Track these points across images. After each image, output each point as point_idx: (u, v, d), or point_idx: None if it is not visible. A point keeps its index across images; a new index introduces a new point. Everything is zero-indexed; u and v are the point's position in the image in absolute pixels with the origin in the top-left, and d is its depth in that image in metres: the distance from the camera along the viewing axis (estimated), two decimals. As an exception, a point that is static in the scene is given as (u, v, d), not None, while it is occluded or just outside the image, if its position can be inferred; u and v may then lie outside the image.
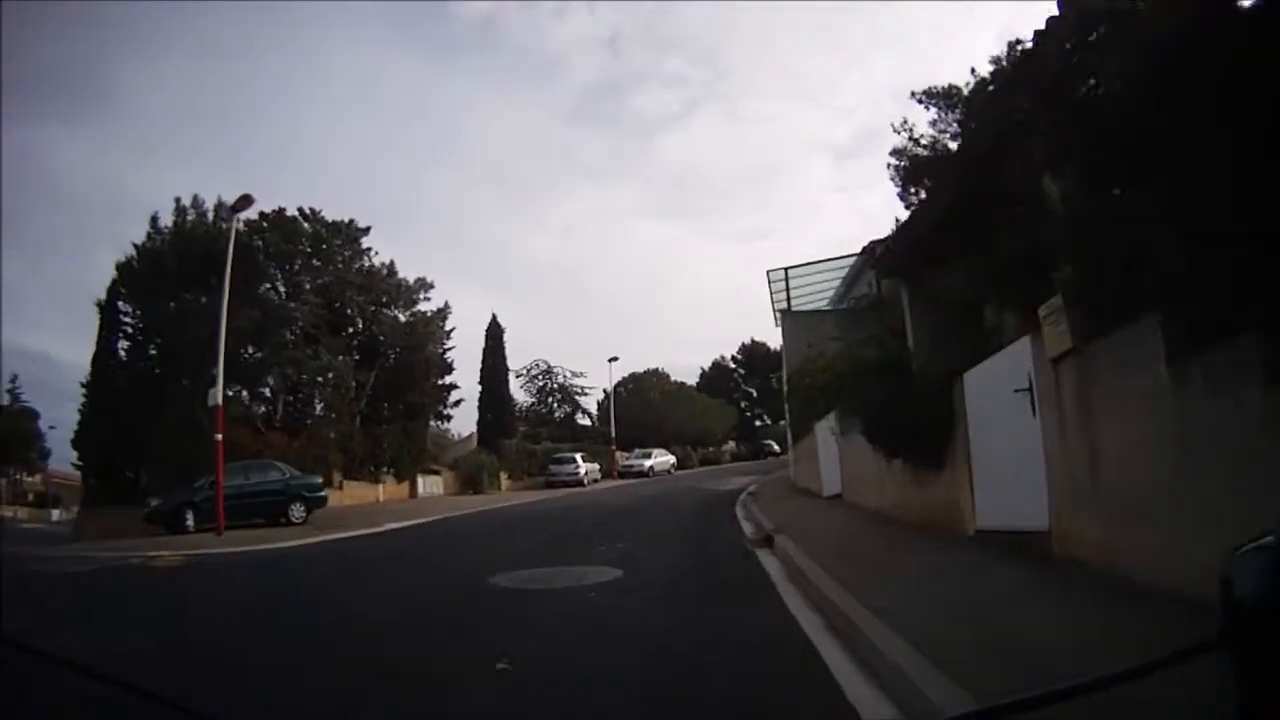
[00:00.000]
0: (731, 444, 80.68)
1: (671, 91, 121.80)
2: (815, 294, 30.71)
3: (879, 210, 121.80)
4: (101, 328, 36.05)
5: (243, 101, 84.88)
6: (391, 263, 43.36)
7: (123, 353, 37.01)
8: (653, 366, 79.25)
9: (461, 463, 48.36)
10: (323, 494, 26.56)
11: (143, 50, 73.06)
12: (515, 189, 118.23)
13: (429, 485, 43.81)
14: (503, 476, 48.99)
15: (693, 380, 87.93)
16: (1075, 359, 6.95)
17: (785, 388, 26.44)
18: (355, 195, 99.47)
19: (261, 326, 34.77)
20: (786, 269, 28.96)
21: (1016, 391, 8.03)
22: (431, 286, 44.63)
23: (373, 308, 42.41)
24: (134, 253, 36.67)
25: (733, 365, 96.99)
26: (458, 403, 49.13)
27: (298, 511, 24.98)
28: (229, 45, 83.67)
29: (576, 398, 71.09)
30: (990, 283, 9.48)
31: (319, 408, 39.26)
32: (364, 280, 41.15)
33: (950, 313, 11.97)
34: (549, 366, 69.58)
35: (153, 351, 36.85)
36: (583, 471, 48.47)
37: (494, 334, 56.08)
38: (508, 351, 56.65)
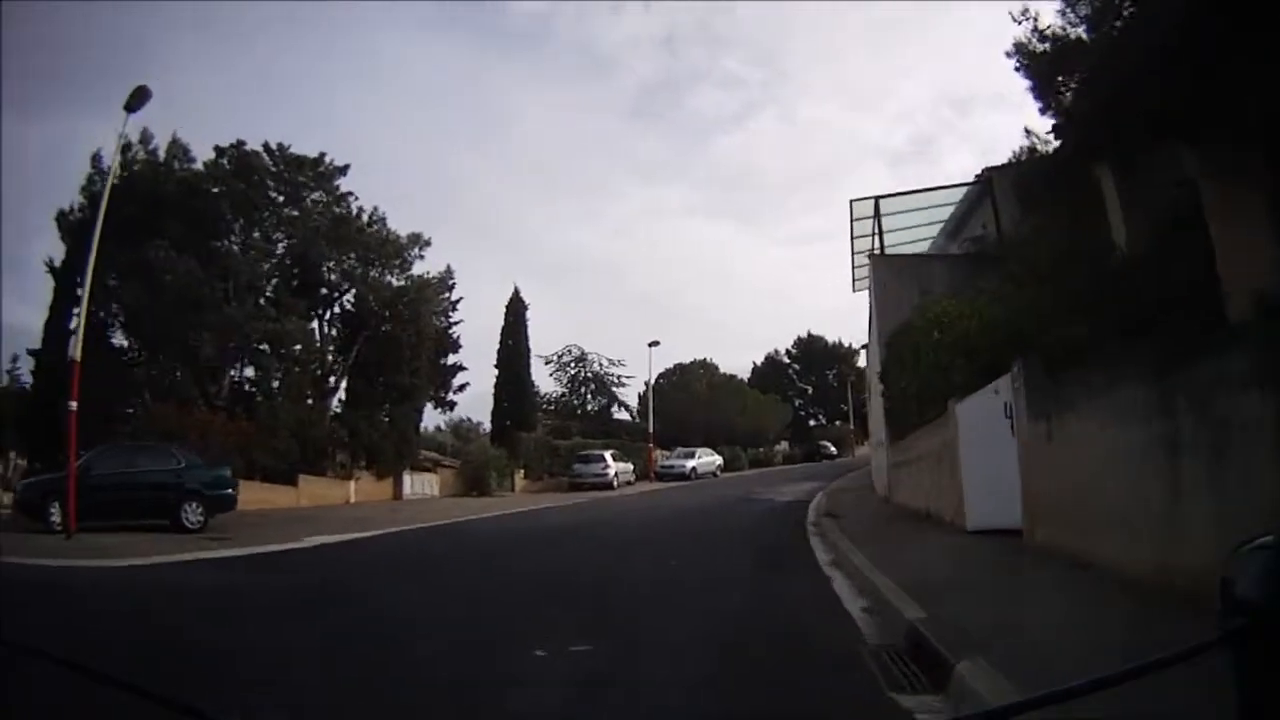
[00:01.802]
0: (784, 444, 73.30)
1: (728, 92, 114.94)
2: (910, 238, 22.74)
3: None
4: (56, 292, 29.08)
5: (286, 87, 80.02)
6: (375, 211, 35.81)
7: (76, 318, 30.14)
8: (701, 357, 71.58)
9: (466, 458, 41.04)
10: (228, 491, 19.37)
11: (184, 31, 67.78)
12: (563, 183, 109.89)
13: (419, 484, 36.30)
14: (518, 476, 41.82)
15: (743, 377, 79.52)
16: None
17: (879, 356, 18.41)
18: (394, 186, 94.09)
19: (197, 281, 27.55)
20: (877, 199, 21.05)
21: None
22: (428, 244, 37.07)
23: (350, 263, 35.25)
24: (80, 200, 29.98)
25: (787, 360, 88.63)
26: (463, 387, 41.83)
27: (193, 514, 18.09)
28: (274, 33, 77.95)
29: (613, 389, 63.08)
30: None
31: (277, 384, 32.02)
32: (332, 227, 33.50)
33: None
34: (583, 353, 61.83)
35: (101, 314, 30.01)
36: (612, 472, 41.23)
37: (515, 310, 48.33)
38: (537, 338, 49.12)
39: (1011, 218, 18.04)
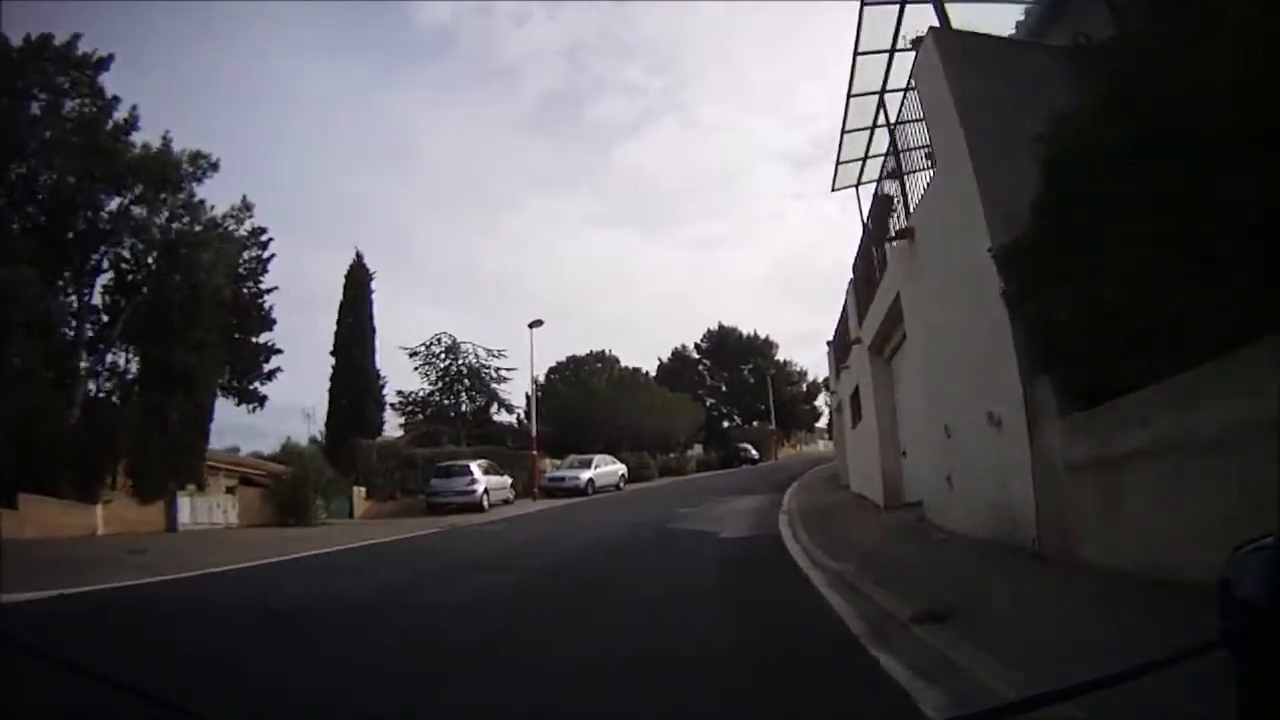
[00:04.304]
0: (698, 449, 63.46)
1: (629, 100, 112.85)
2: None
3: (835, 215, 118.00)
4: None
5: (179, 102, 69.14)
6: (133, 110, 25.27)
7: None
8: (599, 349, 61.66)
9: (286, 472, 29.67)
10: None
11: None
12: (461, 195, 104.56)
13: (207, 510, 25.10)
14: (359, 493, 31.30)
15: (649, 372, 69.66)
16: None
17: (989, 227, 7.83)
18: (286, 199, 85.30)
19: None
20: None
21: None
22: (214, 167, 26.35)
23: (120, 201, 25.16)
24: None
25: (696, 355, 79.06)
26: (272, 373, 31.31)
27: None
28: (168, 44, 68.08)
29: (493, 385, 51.57)
30: None
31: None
32: (77, 133, 23.72)
33: None
34: (454, 342, 50.30)
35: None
36: (480, 489, 30.91)
37: (356, 281, 37.46)
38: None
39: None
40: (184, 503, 24.24)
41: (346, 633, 7.54)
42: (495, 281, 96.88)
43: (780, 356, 78.36)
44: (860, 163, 16.94)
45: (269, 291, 31.37)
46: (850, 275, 19.53)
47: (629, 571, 11.17)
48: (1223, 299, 5.13)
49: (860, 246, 17.61)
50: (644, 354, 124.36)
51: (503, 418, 52.21)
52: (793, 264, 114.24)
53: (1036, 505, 7.84)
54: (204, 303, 25.79)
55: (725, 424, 74.97)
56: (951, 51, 9.37)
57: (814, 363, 79.43)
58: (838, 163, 16.94)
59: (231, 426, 62.70)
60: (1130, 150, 5.74)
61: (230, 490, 27.97)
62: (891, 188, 13.23)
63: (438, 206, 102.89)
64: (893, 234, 12.52)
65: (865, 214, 16.76)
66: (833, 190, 18.12)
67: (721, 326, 78.47)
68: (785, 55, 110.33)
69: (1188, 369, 5.45)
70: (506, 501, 32.69)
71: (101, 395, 26.12)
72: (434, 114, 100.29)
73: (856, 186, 18.04)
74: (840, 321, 23.20)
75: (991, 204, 8.11)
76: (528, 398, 46.80)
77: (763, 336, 78.23)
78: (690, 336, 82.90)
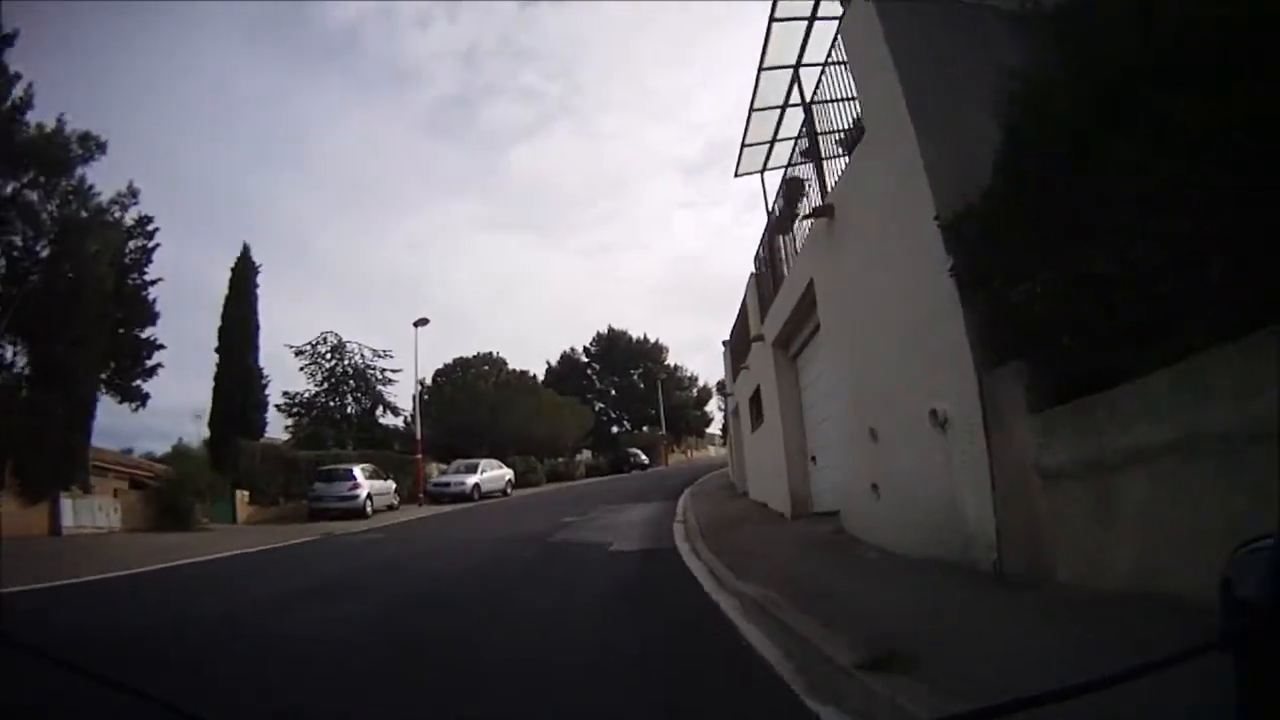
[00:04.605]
0: (586, 454, 62.72)
1: (525, 106, 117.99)
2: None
3: (726, 224, 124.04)
4: None
5: (65, 82, 65.14)
6: (29, 88, 23.24)
7: None
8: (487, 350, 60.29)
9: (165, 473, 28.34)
10: None
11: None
12: (355, 198, 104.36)
13: (91, 513, 23.72)
14: (241, 497, 30.27)
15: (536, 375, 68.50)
16: None
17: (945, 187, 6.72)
18: (177, 194, 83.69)
19: None
20: None
21: None
22: (101, 148, 24.50)
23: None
24: None
25: (585, 359, 78.17)
26: (154, 369, 28.68)
27: None
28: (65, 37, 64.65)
29: (379, 387, 50.02)
30: None
31: None
32: None
33: None
34: (340, 341, 48.86)
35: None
36: (363, 494, 29.93)
37: (242, 274, 35.49)
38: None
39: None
40: (68, 505, 23.05)
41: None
42: (387, 282, 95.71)
43: (671, 361, 78.58)
44: (768, 145, 16.01)
45: (153, 283, 28.94)
46: (752, 269, 18.50)
47: (503, 604, 9.73)
48: (1208, 291, 4.23)
49: (765, 235, 16.51)
50: (533, 358, 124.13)
51: (389, 420, 51.27)
52: (685, 269, 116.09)
53: (997, 518, 6.69)
54: (86, 294, 23.91)
55: (615, 429, 74.64)
56: (887, 3, 8.33)
57: (705, 367, 79.97)
58: (743, 145, 15.92)
59: (129, 428, 60.21)
60: (1092, 122, 4.97)
61: (116, 493, 26.46)
62: (804, 170, 12.26)
63: (332, 206, 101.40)
64: (808, 212, 11.44)
65: (771, 200, 15.74)
66: (736, 175, 17.11)
67: (611, 330, 78.17)
68: (685, 60, 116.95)
69: (1186, 355, 4.49)
70: (391, 507, 31.82)
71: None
72: (330, 112, 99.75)
73: (762, 172, 17.08)
74: (739, 319, 22.15)
75: (936, 171, 7.04)
76: (414, 400, 45.43)
77: (653, 341, 78.09)
78: (580, 340, 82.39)
